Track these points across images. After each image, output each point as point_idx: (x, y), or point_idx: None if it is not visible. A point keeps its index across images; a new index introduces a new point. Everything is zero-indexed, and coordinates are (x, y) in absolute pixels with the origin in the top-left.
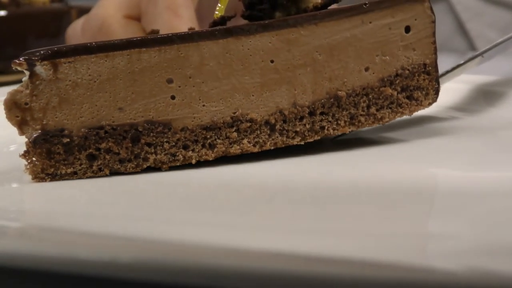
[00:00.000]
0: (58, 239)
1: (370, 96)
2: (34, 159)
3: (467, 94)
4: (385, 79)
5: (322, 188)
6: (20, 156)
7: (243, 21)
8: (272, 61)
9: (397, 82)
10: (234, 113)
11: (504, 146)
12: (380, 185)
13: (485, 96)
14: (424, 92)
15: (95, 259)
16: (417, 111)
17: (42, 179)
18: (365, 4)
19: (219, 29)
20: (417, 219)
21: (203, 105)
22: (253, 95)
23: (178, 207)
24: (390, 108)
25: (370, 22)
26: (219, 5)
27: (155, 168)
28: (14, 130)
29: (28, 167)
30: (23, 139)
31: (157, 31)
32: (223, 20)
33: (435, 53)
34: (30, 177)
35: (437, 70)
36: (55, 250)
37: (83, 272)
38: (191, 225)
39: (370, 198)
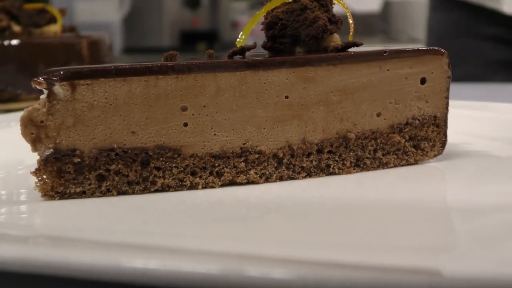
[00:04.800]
0: (63, 246)
1: (378, 141)
2: (44, 177)
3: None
4: (395, 126)
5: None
6: (31, 173)
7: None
8: (286, 97)
9: (406, 130)
10: (244, 144)
11: None
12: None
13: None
14: (431, 144)
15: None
16: (422, 161)
17: (52, 197)
18: (385, 52)
19: (237, 61)
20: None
21: (215, 134)
22: (264, 128)
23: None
24: (396, 154)
25: (388, 70)
26: (241, 35)
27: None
28: (22, 152)
29: (38, 184)
30: (32, 161)
31: (175, 55)
32: (242, 50)
33: (447, 108)
34: (39, 195)
35: (446, 124)
36: (59, 255)
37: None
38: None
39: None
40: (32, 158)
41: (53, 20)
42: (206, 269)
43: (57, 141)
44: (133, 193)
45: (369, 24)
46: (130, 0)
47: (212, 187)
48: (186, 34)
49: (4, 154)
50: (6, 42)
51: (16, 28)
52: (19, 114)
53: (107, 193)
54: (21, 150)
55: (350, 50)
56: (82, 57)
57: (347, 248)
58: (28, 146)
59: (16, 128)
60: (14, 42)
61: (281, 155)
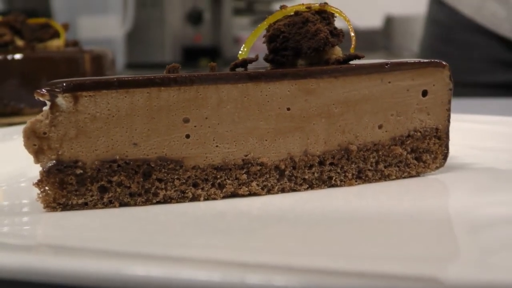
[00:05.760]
0: (65, 254)
1: (380, 153)
2: (46, 188)
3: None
4: (397, 138)
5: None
6: (33, 184)
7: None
8: (288, 109)
9: (408, 142)
10: (246, 155)
11: None
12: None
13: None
14: (432, 156)
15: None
16: (424, 173)
17: (54, 209)
18: (387, 64)
19: (239, 73)
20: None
21: (216, 146)
22: (266, 140)
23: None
24: (398, 166)
25: (389, 82)
26: (243, 47)
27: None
28: (24, 165)
29: (40, 196)
30: (34, 173)
31: (177, 67)
32: (244, 63)
33: (448, 120)
34: (41, 206)
35: (448, 136)
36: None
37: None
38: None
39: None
40: (34, 171)
41: (56, 34)
42: (207, 276)
43: (59, 153)
44: (135, 204)
45: (371, 40)
46: (133, 16)
47: (214, 199)
48: (188, 50)
49: (6, 167)
50: (9, 56)
51: (19, 42)
52: (22, 127)
53: (109, 204)
54: (23, 163)
55: (351, 62)
56: (85, 71)
57: (349, 258)
58: (30, 159)
59: (18, 141)
60: (17, 56)
61: (283, 167)
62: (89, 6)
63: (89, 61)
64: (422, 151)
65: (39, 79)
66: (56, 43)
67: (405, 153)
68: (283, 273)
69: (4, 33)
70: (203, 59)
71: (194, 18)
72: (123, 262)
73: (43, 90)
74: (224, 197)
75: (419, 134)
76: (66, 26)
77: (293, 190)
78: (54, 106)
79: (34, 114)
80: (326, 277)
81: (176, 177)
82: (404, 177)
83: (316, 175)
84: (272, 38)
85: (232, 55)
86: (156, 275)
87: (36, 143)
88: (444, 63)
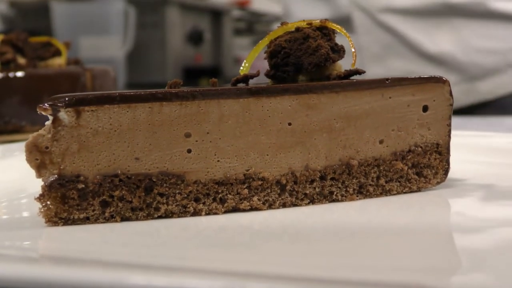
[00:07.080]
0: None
1: (381, 168)
2: (48, 202)
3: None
4: (398, 153)
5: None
6: (35, 199)
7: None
8: (289, 124)
9: (409, 157)
10: (247, 170)
11: None
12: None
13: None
14: (433, 171)
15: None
16: (425, 188)
17: (55, 223)
18: (387, 79)
19: (240, 88)
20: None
21: (218, 161)
22: (267, 155)
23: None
24: (399, 181)
25: (390, 97)
26: (244, 63)
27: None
28: (26, 181)
29: (42, 210)
30: (35, 189)
31: (179, 82)
32: (246, 78)
33: (449, 135)
34: (43, 221)
35: (449, 152)
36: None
37: None
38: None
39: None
40: (35, 186)
41: (57, 53)
42: (209, 285)
43: (61, 167)
44: (137, 219)
45: None
46: (134, 37)
47: (216, 213)
48: (189, 70)
49: (7, 182)
50: (11, 74)
51: (21, 60)
52: (23, 144)
53: (110, 219)
54: (24, 179)
55: (352, 78)
56: (86, 89)
57: (351, 270)
58: (31, 174)
59: (20, 157)
60: (19, 74)
61: (284, 181)
62: (90, 27)
63: (90, 79)
64: (423, 166)
65: (40, 96)
66: (57, 61)
67: (406, 168)
68: (285, 282)
69: (6, 51)
70: (204, 79)
71: (195, 38)
72: (125, 272)
73: (46, 104)
74: (225, 212)
75: (420, 149)
76: (67, 44)
77: (294, 205)
78: (56, 121)
79: (35, 132)
80: (327, 286)
81: (177, 191)
82: (405, 192)
83: (317, 190)
84: (273, 54)
85: (233, 74)
86: (157, 285)
87: (38, 158)
88: (444, 78)
